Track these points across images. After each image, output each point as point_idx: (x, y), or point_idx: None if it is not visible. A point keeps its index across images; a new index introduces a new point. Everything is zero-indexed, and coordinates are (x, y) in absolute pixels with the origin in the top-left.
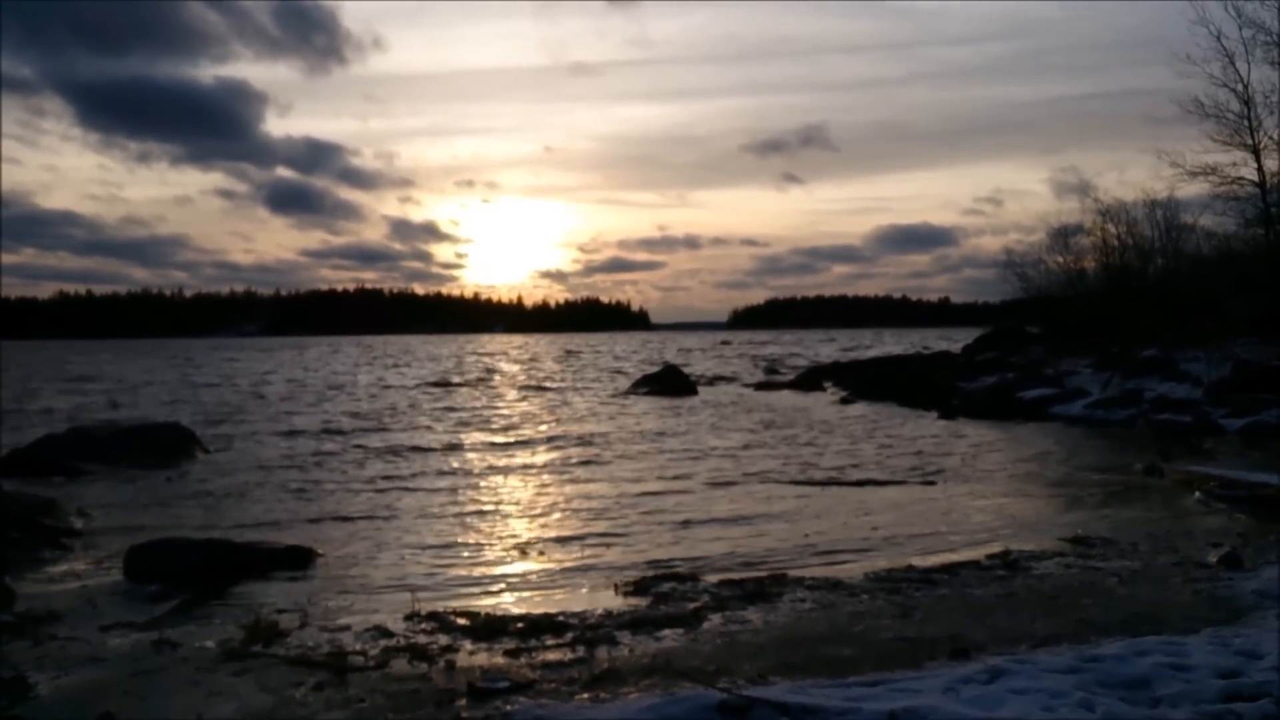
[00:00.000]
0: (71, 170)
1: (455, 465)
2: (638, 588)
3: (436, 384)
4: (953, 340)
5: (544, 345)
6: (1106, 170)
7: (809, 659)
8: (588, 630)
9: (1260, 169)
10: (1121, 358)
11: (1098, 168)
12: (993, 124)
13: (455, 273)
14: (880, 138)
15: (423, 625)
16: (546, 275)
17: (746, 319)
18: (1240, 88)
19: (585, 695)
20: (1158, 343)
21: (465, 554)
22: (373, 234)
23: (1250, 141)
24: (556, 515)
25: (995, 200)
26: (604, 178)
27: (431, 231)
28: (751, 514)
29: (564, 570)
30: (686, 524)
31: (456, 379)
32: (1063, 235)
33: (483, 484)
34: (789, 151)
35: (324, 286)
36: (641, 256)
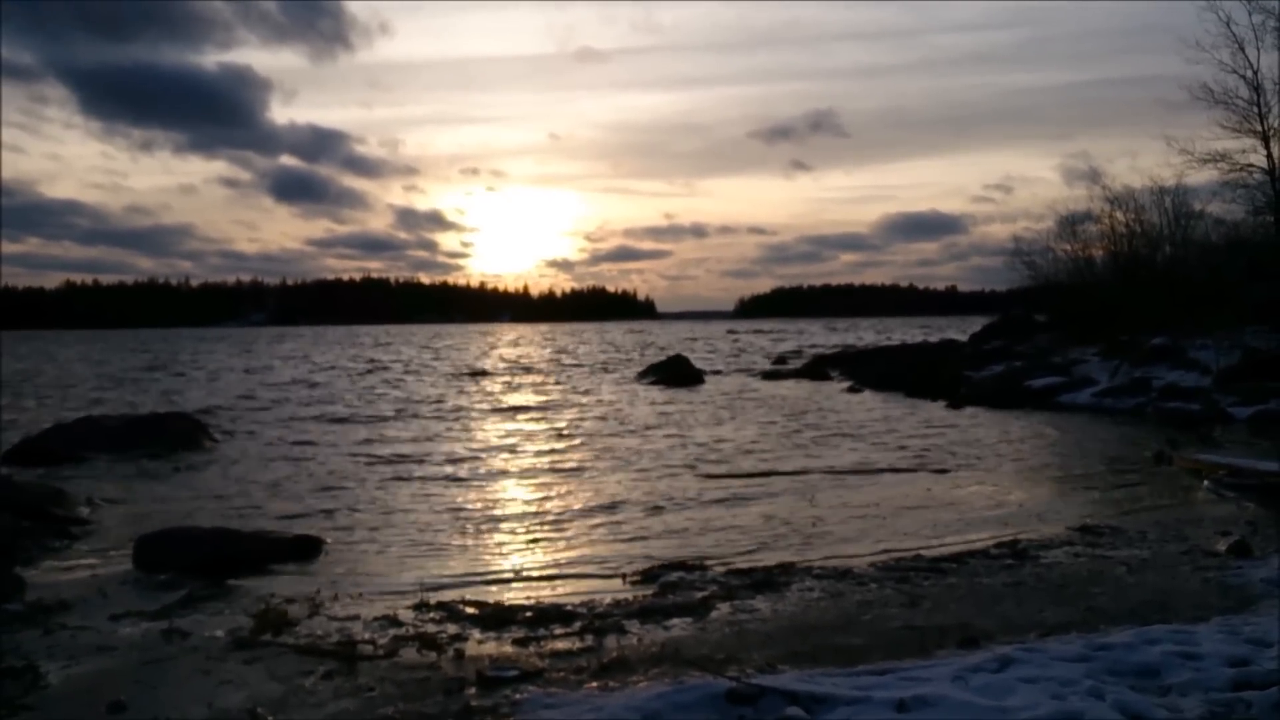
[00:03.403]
0: (75, 159)
1: (465, 454)
2: (645, 577)
3: (452, 374)
4: (960, 329)
5: (560, 336)
6: (1118, 157)
7: (817, 648)
8: (596, 619)
9: (1270, 156)
10: (1130, 346)
11: (1109, 154)
12: (1002, 111)
13: (461, 262)
14: (888, 125)
15: (431, 614)
16: (553, 264)
17: (753, 308)
18: (1250, 74)
19: (594, 684)
20: (1166, 330)
21: (473, 543)
22: (378, 223)
23: (1260, 128)
24: (565, 505)
25: (1005, 187)
26: (610, 166)
27: (437, 220)
28: (759, 503)
29: (572, 560)
30: (694, 513)
31: (467, 369)
32: (1071, 223)
33: (492, 473)
34: (797, 138)
35: (330, 276)
36: (648, 245)
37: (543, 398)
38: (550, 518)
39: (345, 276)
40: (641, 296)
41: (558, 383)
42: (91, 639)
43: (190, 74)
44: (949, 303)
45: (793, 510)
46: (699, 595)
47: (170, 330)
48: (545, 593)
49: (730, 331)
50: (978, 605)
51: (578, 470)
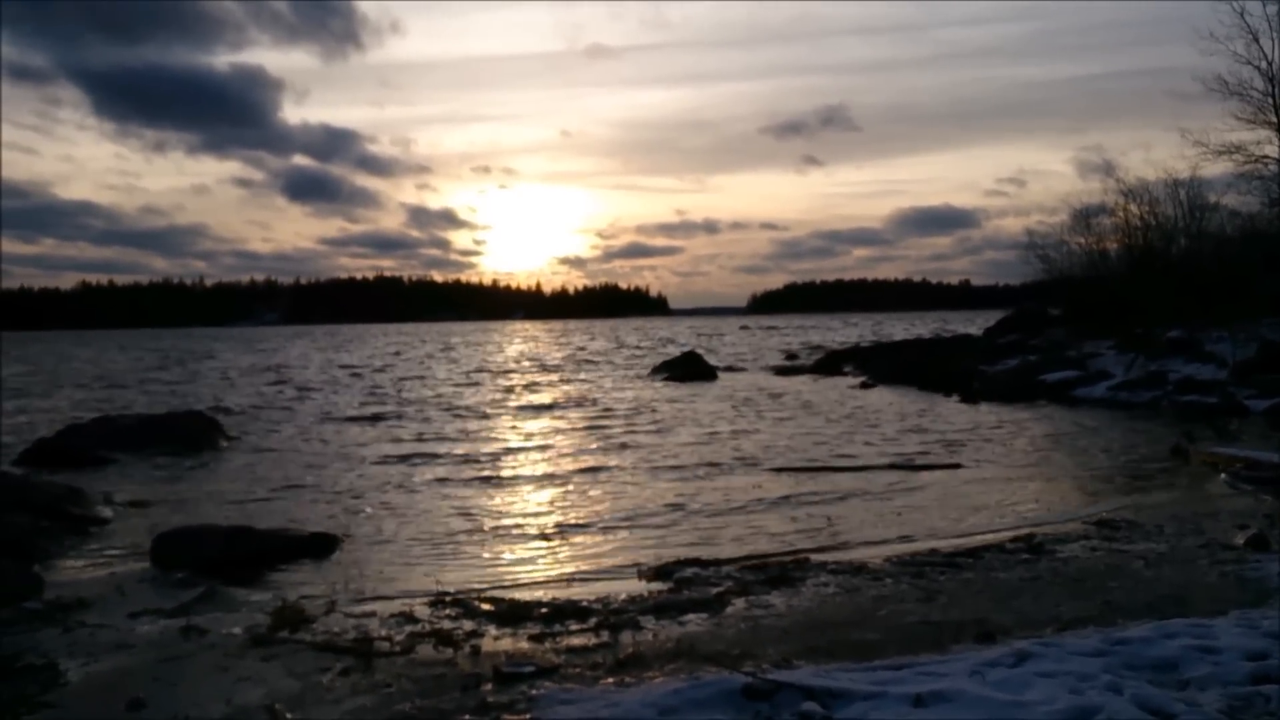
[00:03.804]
0: (89, 160)
1: (480, 452)
2: (660, 573)
3: (467, 371)
4: (974, 323)
5: (573, 333)
6: (1131, 149)
7: (833, 643)
8: (611, 615)
9: None
10: (1145, 339)
11: (1122, 147)
12: (1013, 104)
13: (473, 260)
14: (899, 120)
15: (447, 610)
16: (565, 261)
17: (766, 303)
18: (1264, 65)
19: (610, 679)
20: (1182, 324)
21: (489, 540)
22: (390, 221)
23: (1275, 120)
24: (580, 501)
25: (1018, 181)
26: (621, 163)
27: (449, 218)
28: (773, 498)
29: (587, 556)
30: (708, 509)
31: (481, 367)
32: (1085, 216)
33: (507, 469)
34: (808, 134)
35: (343, 275)
36: (660, 241)
37: (557, 395)
38: (566, 515)
39: (358, 275)
40: (654, 293)
41: (571, 380)
42: (110, 637)
43: (202, 75)
44: (962, 297)
45: (807, 505)
46: (714, 591)
47: (185, 330)
48: (561, 589)
49: (743, 327)
50: (994, 600)
51: (593, 468)
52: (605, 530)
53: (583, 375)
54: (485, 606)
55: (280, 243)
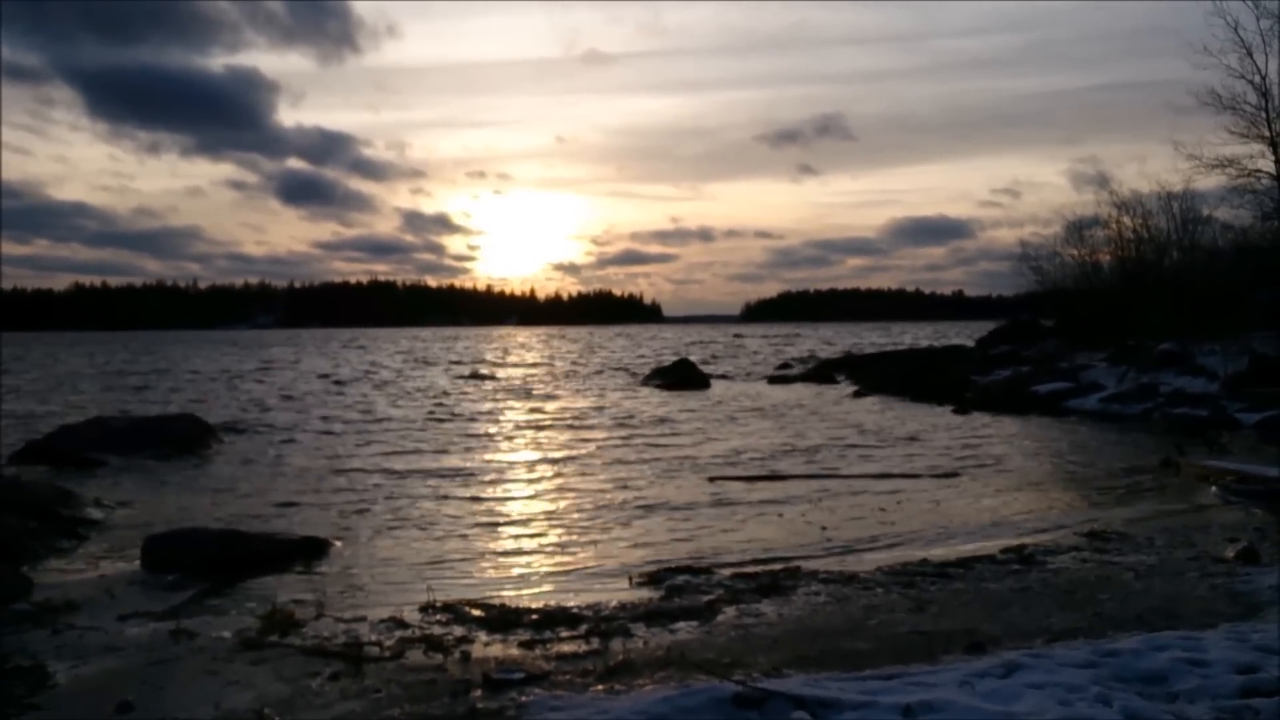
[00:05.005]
0: (82, 161)
1: (472, 457)
2: (651, 580)
3: (458, 377)
4: (967, 333)
5: (566, 339)
6: (1126, 162)
7: (824, 652)
8: (602, 622)
9: (1278, 161)
10: (1137, 351)
11: (1117, 159)
12: (1009, 115)
13: (467, 265)
14: (894, 129)
15: (438, 616)
16: (559, 267)
17: (759, 312)
18: (1258, 79)
19: (600, 687)
20: (1174, 336)
21: (480, 545)
22: (385, 226)
23: (1268, 133)
24: (571, 508)
25: (1012, 192)
26: (617, 169)
27: (443, 223)
28: (765, 507)
29: (578, 562)
30: (699, 517)
31: (472, 373)
32: (1078, 228)
33: (499, 476)
34: (803, 142)
35: (337, 279)
36: (654, 249)
37: (550, 402)
38: (557, 522)
39: (352, 279)
40: (648, 300)
41: (562, 387)
42: (99, 639)
43: (197, 76)
44: (956, 307)
45: (798, 514)
46: (705, 599)
47: (178, 332)
48: (551, 595)
49: (737, 335)
50: (985, 611)
51: (583, 473)
52: (596, 537)
53: (574, 382)
54: (475, 612)
55: (274, 246)
